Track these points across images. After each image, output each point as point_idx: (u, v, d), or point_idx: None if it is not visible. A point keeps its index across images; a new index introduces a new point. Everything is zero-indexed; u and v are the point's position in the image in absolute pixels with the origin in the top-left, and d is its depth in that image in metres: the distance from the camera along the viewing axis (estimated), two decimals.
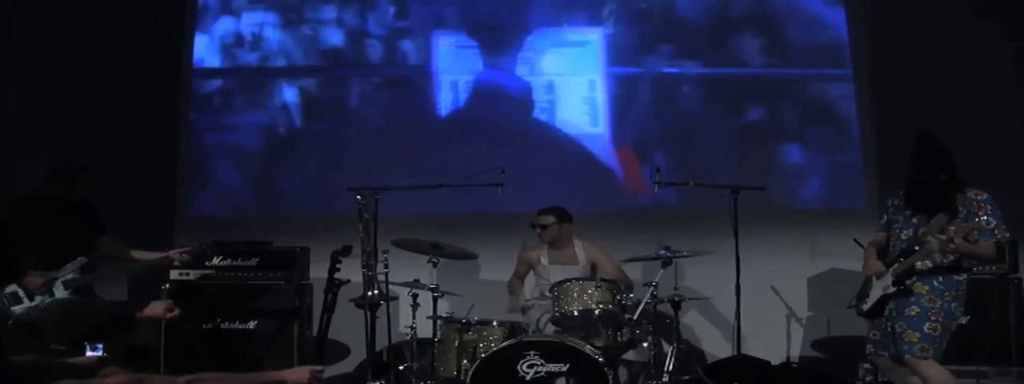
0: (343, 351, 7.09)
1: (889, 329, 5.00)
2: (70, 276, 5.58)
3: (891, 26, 7.27)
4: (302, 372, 3.72)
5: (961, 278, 4.95)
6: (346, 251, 5.33)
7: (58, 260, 5.57)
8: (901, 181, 5.20)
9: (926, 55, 7.11)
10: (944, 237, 4.74)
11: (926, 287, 4.91)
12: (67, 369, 3.25)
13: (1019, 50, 7.12)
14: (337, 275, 5.50)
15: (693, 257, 6.30)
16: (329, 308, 5.34)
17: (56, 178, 5.74)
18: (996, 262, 6.05)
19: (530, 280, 6.68)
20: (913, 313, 4.88)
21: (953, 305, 4.91)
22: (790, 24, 7.56)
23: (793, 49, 7.54)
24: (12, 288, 5.41)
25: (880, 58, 7.35)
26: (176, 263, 5.92)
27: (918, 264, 4.93)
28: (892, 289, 4.95)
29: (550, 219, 6.50)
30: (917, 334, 4.85)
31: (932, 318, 4.86)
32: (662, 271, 6.00)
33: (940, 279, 4.91)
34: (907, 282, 4.93)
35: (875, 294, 5.06)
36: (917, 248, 4.91)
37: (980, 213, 4.85)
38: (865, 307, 5.13)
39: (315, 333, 5.26)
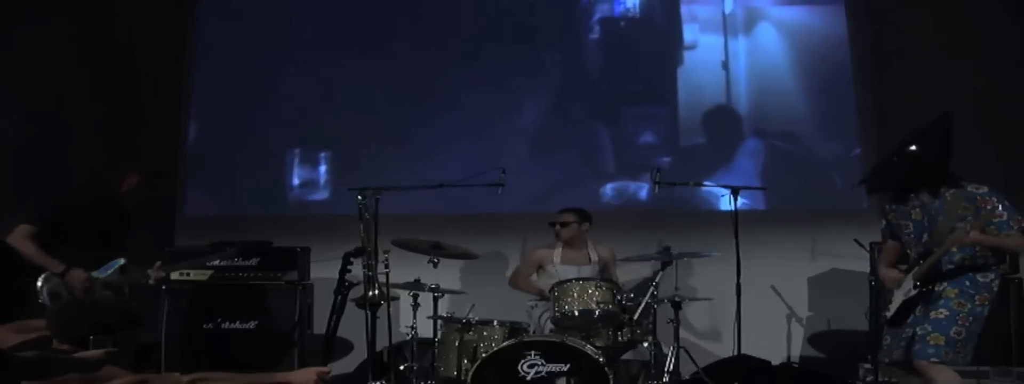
0: (343, 351, 7.10)
1: (908, 334, 4.80)
2: (108, 273, 5.60)
3: (893, 25, 7.27)
4: (309, 373, 3.68)
5: (987, 280, 4.78)
6: (358, 252, 5.33)
7: (100, 259, 5.61)
8: None
9: (928, 54, 7.11)
10: (963, 229, 4.56)
11: (955, 291, 4.72)
12: (73, 364, 3.23)
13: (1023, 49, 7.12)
14: (348, 276, 5.50)
15: (693, 257, 6.31)
16: (338, 309, 5.34)
17: (108, 178, 5.77)
18: (997, 263, 6.03)
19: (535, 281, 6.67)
20: (942, 316, 4.69)
21: (984, 309, 4.73)
22: (790, 23, 7.57)
23: (794, 48, 7.54)
24: (53, 285, 5.45)
25: (881, 57, 7.35)
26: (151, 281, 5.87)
27: (944, 260, 4.74)
28: (914, 292, 4.77)
29: (570, 218, 6.52)
30: (943, 338, 4.64)
31: (959, 323, 4.68)
32: (662, 271, 6.00)
33: (968, 283, 4.74)
34: (934, 287, 4.74)
35: (897, 299, 4.87)
36: (935, 249, 4.73)
37: (987, 206, 4.68)
38: (888, 315, 4.92)
39: (325, 332, 5.26)
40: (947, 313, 4.70)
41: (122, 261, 5.65)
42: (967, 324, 4.70)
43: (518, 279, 6.69)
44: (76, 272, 5.46)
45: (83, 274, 5.48)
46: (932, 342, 4.67)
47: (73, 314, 3.54)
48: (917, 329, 4.75)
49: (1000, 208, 4.71)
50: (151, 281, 5.79)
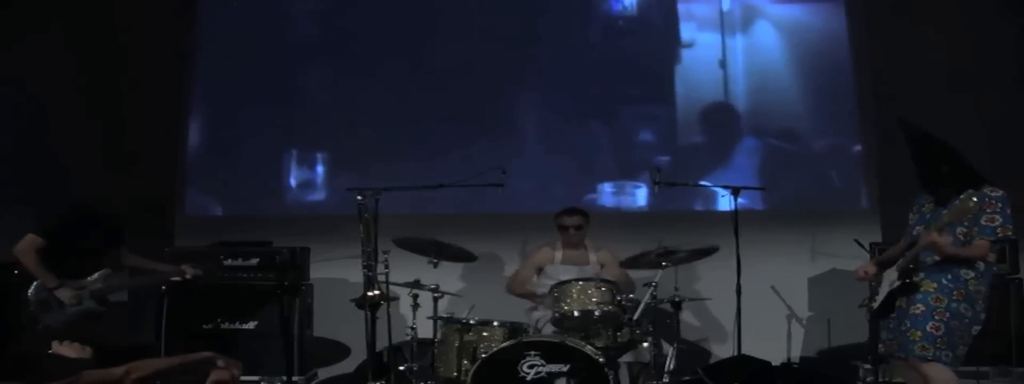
0: (343, 351, 7.09)
1: (896, 327, 4.87)
2: (98, 286, 5.71)
3: (892, 24, 7.26)
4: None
5: (969, 276, 4.75)
6: None
7: (86, 270, 5.65)
8: (901, 181, 5.17)
9: (928, 53, 7.10)
10: (932, 232, 4.59)
11: (934, 285, 4.75)
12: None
13: (1021, 48, 7.11)
14: (336, 275, 5.51)
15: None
16: None
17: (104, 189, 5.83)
18: (997, 262, 6.03)
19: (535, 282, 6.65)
20: (918, 311, 4.73)
21: (962, 305, 4.72)
22: (788, 21, 7.56)
23: (792, 46, 7.54)
24: (44, 296, 5.58)
25: (881, 56, 7.34)
26: (187, 276, 6.10)
27: (925, 258, 4.77)
28: (897, 284, 4.83)
29: (579, 220, 6.54)
30: (919, 332, 4.70)
31: (936, 318, 4.70)
32: (662, 271, 6.00)
33: (948, 277, 4.75)
34: (913, 278, 4.79)
35: (883, 291, 4.94)
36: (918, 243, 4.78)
37: (989, 210, 4.68)
38: (874, 305, 5.00)
39: None
40: (923, 308, 4.74)
41: (109, 271, 5.77)
42: (945, 320, 4.70)
43: (515, 283, 6.65)
44: (65, 290, 5.58)
45: (71, 292, 5.59)
46: (911, 338, 4.73)
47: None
48: (902, 325, 4.81)
49: (998, 215, 4.70)
50: (188, 276, 6.06)
